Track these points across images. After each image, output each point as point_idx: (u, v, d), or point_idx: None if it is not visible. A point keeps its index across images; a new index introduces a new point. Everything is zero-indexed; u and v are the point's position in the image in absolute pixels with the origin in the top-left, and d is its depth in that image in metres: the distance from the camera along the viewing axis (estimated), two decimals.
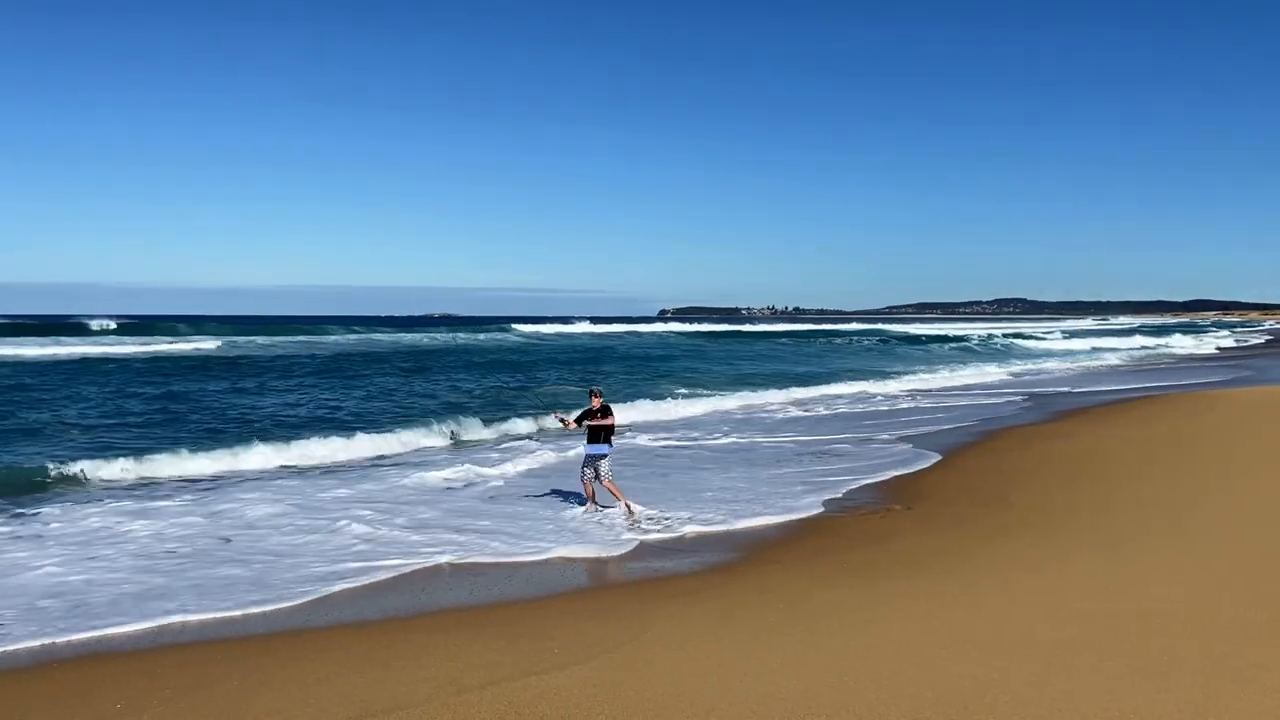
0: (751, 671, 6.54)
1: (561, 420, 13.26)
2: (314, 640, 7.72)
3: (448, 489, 14.53)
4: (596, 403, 12.61)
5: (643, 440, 19.78)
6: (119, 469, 15.55)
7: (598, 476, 12.56)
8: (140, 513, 12.64)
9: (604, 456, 12.53)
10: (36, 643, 7.81)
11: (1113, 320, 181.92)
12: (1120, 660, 6.59)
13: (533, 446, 18.51)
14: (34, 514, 12.58)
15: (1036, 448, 17.41)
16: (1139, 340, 76.51)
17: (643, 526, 11.79)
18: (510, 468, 16.22)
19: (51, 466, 15.29)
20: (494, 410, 24.41)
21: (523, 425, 21.63)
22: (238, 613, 8.56)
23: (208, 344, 54.65)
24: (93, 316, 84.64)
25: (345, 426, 20.95)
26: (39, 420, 21.77)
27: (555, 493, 14.06)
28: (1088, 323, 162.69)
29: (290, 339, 66.86)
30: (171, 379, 33.05)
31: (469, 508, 13.13)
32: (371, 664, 6.97)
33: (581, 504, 12.85)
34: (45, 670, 7.23)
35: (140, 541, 11.17)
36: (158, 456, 16.36)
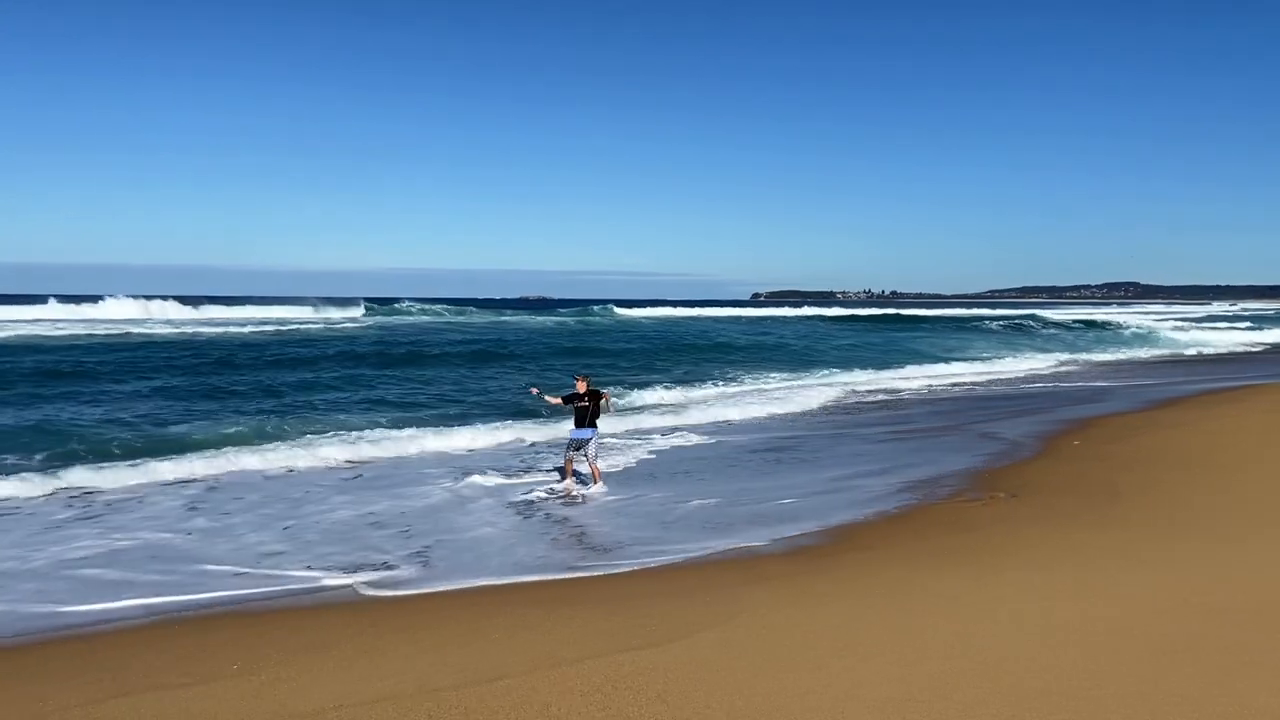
0: (847, 656, 6.47)
1: (543, 396, 14.19)
2: (417, 610, 7.99)
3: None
4: (583, 387, 13.47)
5: (741, 438, 19.73)
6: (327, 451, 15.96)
7: (585, 457, 13.38)
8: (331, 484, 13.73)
9: (590, 440, 13.37)
10: (155, 603, 8.33)
11: (1242, 305, 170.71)
12: (1236, 656, 6.30)
13: (686, 433, 18.95)
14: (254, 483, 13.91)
15: (1144, 436, 16.70)
16: None
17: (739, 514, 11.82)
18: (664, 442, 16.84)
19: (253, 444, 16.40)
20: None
21: (696, 415, 21.65)
22: (349, 579, 8.98)
23: (350, 321, 58.93)
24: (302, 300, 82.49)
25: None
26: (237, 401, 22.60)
27: (687, 470, 14.17)
28: (1218, 307, 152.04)
29: (433, 320, 68.45)
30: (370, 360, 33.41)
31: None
32: (473, 635, 7.16)
33: (550, 479, 13.68)
34: (163, 629, 7.66)
35: (292, 511, 12.04)
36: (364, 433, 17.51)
